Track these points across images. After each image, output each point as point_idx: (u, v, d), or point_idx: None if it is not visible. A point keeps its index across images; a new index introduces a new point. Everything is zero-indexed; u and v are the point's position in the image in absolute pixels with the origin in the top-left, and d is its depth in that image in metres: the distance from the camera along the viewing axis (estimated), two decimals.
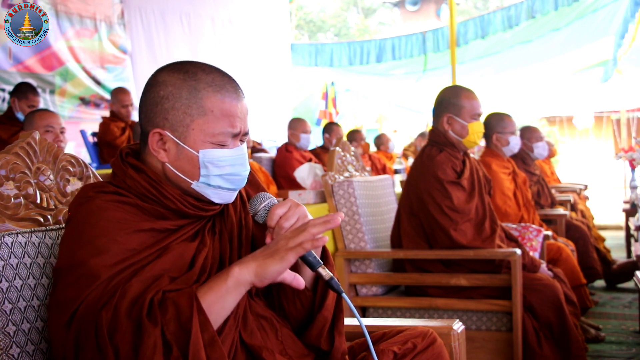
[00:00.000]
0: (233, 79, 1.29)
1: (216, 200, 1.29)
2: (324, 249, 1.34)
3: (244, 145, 1.31)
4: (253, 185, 1.43)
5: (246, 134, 1.30)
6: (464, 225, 2.65)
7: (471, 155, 2.99)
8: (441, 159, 2.73)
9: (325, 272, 1.22)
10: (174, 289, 1.14)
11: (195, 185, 1.26)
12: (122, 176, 1.27)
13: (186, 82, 1.24)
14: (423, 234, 2.74)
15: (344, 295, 1.22)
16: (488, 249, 2.63)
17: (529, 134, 4.77)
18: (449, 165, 2.74)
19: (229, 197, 1.30)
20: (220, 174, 1.25)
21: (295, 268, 1.30)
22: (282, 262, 1.14)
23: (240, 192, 1.38)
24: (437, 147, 2.81)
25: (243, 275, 1.15)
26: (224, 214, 1.34)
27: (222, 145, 1.25)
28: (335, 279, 1.22)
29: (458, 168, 2.78)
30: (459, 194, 2.69)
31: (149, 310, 1.09)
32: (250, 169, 1.39)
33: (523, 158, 4.61)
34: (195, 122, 1.24)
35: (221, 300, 1.14)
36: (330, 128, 6.47)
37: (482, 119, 3.03)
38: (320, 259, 1.25)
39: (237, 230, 1.34)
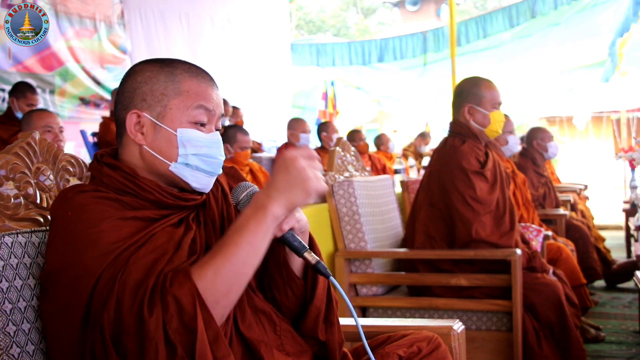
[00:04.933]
0: (208, 72, 1.33)
1: (194, 184, 1.28)
2: (310, 236, 1.34)
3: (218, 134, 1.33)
4: (235, 178, 1.43)
5: (219, 129, 1.32)
6: (485, 217, 2.63)
7: None
8: (465, 149, 2.72)
9: (311, 256, 1.23)
10: (173, 269, 1.12)
11: (174, 167, 1.26)
12: (99, 176, 1.27)
13: (163, 68, 1.28)
14: (440, 225, 2.72)
15: (332, 278, 1.23)
16: (502, 246, 2.61)
17: (541, 134, 4.74)
18: (472, 155, 2.72)
19: (207, 183, 1.30)
20: (197, 153, 1.26)
21: (283, 256, 1.31)
22: (305, 193, 1.14)
23: (221, 185, 1.38)
24: (459, 137, 2.79)
25: (277, 210, 1.14)
26: (206, 206, 1.34)
27: (198, 128, 1.27)
28: (322, 263, 1.23)
29: (482, 159, 2.77)
30: (482, 184, 2.67)
31: (150, 300, 1.07)
32: (235, 167, 1.42)
33: (534, 158, 4.59)
34: (172, 102, 1.26)
35: (263, 240, 1.14)
36: (324, 126, 6.43)
37: None
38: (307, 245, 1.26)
39: (219, 221, 1.33)
